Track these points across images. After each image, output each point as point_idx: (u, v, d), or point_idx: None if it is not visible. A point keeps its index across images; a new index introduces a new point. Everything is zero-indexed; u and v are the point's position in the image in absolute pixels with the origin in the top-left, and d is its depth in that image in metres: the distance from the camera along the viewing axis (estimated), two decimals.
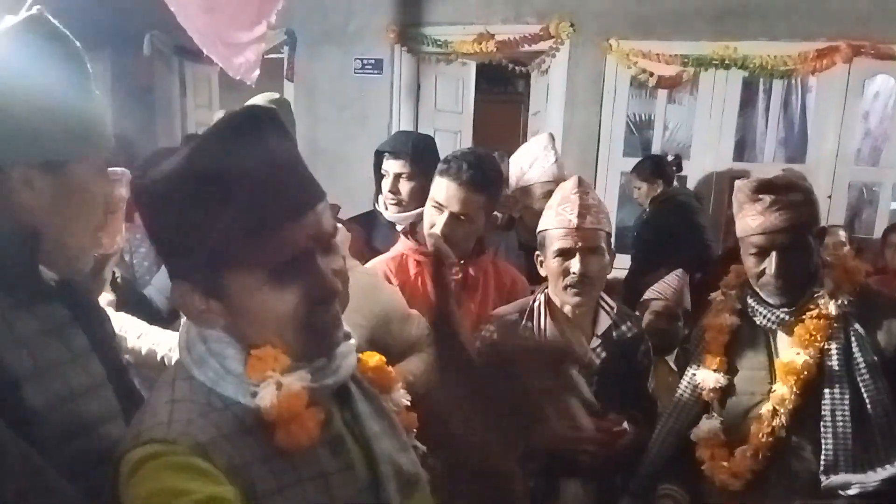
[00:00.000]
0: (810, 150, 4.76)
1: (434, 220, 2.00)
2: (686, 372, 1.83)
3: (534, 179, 2.69)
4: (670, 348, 2.66)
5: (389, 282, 1.95)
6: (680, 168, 4.49)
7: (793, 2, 4.34)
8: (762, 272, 1.66)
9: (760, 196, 1.62)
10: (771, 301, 1.69)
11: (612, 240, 1.96)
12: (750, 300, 1.73)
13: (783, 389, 1.63)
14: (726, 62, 4.44)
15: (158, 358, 1.61)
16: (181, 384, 0.88)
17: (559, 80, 4.79)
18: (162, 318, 1.94)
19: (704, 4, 4.43)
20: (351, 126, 5.09)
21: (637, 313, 2.69)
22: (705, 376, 1.75)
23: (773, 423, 1.63)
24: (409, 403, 1.11)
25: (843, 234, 3.96)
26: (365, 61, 4.98)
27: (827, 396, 1.61)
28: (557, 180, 2.61)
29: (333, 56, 5.02)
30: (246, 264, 0.84)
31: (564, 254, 1.82)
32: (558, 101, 4.83)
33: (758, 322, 1.72)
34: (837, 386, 1.61)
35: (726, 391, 1.74)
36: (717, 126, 4.70)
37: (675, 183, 4.44)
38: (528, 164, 2.73)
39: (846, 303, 1.64)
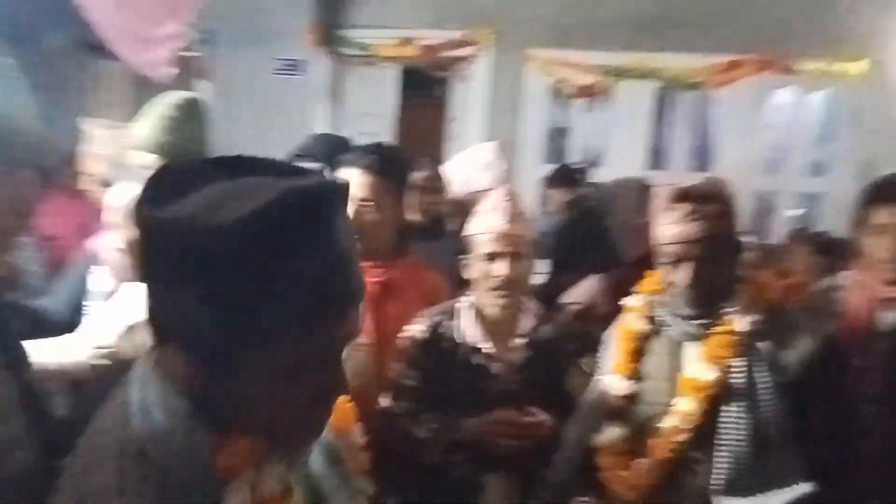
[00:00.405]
0: (718, 160, 4.98)
1: None
2: (595, 377, 1.85)
3: (483, 187, 2.73)
4: (585, 352, 2.74)
5: None
6: (587, 175, 4.59)
7: (704, 17, 4.54)
8: (675, 282, 1.66)
9: (677, 205, 1.63)
10: (682, 312, 1.68)
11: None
12: (661, 309, 1.73)
13: (687, 405, 1.61)
14: (641, 73, 4.60)
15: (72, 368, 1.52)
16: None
17: (480, 87, 4.84)
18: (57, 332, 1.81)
19: (622, 16, 4.58)
20: (270, 128, 4.96)
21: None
22: (612, 382, 1.75)
23: (675, 439, 1.61)
24: (363, 443, 1.06)
25: (753, 242, 4.13)
26: (284, 62, 4.88)
27: (727, 414, 1.58)
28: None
29: (253, 56, 4.90)
30: (278, 347, 0.72)
31: (492, 257, 1.89)
32: (478, 107, 4.88)
33: (668, 332, 1.73)
34: (737, 404, 1.57)
35: (633, 399, 1.73)
36: (632, 135, 4.87)
37: (587, 190, 4.54)
38: (478, 171, 2.77)
39: (757, 320, 1.62)
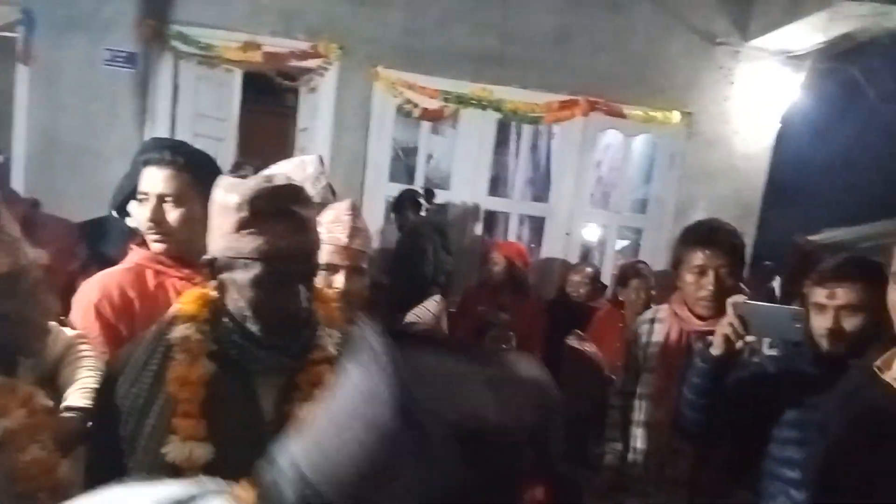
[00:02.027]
0: (552, 192, 5.23)
1: (139, 214, 1.82)
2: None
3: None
4: None
5: (126, 295, 1.74)
6: (431, 199, 4.67)
7: (541, 56, 4.77)
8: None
9: (247, 213, 1.26)
10: (259, 340, 1.29)
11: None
12: (235, 337, 1.29)
13: None
14: (483, 103, 4.74)
15: None
16: None
17: (327, 100, 4.78)
18: None
19: (466, 47, 4.70)
20: (99, 120, 4.63)
21: None
22: (174, 450, 1.20)
23: None
24: None
25: (589, 271, 4.32)
26: (116, 53, 4.55)
27: None
28: (325, 202, 2.65)
29: (81, 44, 4.53)
30: None
31: (330, 269, 1.86)
32: (326, 120, 4.81)
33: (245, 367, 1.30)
34: None
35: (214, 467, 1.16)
36: (475, 161, 5.00)
37: (432, 212, 4.62)
38: (299, 182, 2.70)
39: (338, 341, 1.38)
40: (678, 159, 5.07)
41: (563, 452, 3.17)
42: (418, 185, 5.11)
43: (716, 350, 1.84)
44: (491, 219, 5.83)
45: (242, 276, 1.26)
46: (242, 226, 1.25)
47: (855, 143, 7.35)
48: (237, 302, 1.29)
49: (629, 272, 4.05)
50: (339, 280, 1.86)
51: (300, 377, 1.31)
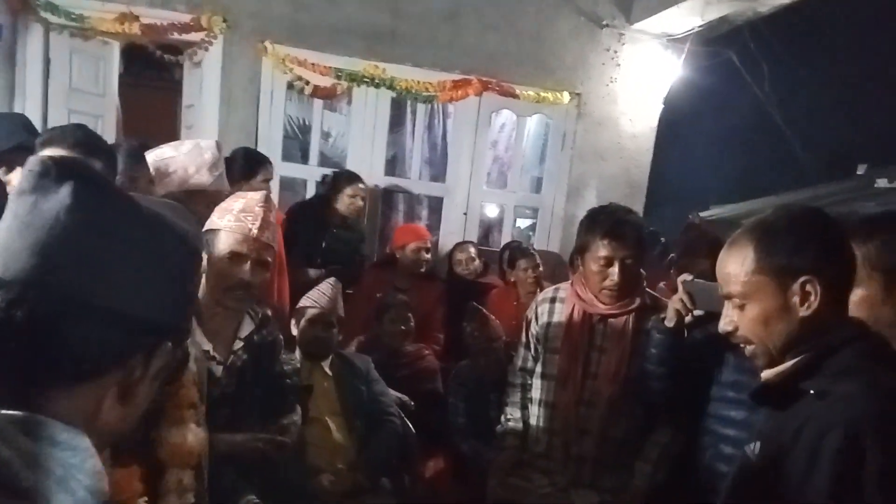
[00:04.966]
0: (449, 171, 5.25)
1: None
2: None
3: (204, 185, 2.61)
4: (325, 354, 2.80)
5: None
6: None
7: (433, 35, 4.75)
8: None
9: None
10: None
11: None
12: None
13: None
14: (376, 81, 4.67)
15: None
16: None
17: (213, 76, 4.58)
18: None
19: (357, 23, 4.61)
20: None
21: (294, 320, 2.84)
22: None
23: None
24: None
25: (472, 250, 4.39)
26: None
27: None
28: (221, 191, 2.57)
29: None
30: None
31: (236, 258, 1.86)
32: (213, 97, 4.61)
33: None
34: None
35: None
36: (371, 141, 4.93)
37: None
38: (194, 167, 2.61)
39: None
40: (569, 139, 5.19)
41: (464, 427, 3.21)
42: (313, 164, 5.01)
43: (669, 322, 2.08)
44: (389, 198, 5.79)
45: None
46: None
47: (733, 122, 7.78)
48: None
49: (516, 253, 4.14)
50: (245, 272, 1.86)
51: None
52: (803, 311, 1.23)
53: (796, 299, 1.23)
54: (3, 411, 0.64)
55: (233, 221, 1.89)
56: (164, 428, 1.33)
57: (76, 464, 0.64)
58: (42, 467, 0.61)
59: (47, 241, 0.67)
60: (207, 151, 2.73)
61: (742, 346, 1.33)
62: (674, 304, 2.07)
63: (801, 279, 1.22)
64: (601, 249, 2.29)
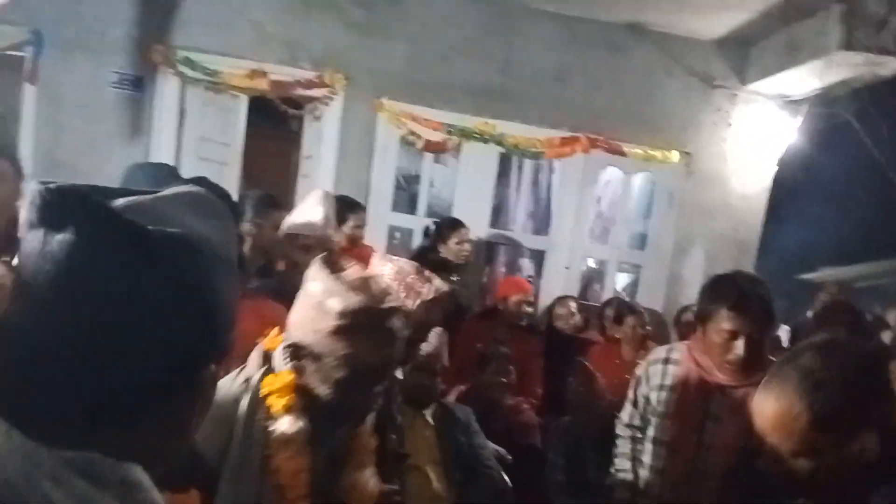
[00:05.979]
0: (553, 225, 5.27)
1: None
2: None
3: (295, 229, 2.73)
4: (428, 402, 2.81)
5: None
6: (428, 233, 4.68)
7: (543, 93, 4.85)
8: None
9: (348, 323, 1.45)
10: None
11: None
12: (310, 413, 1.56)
13: None
14: (486, 137, 4.80)
15: None
16: None
17: (332, 129, 4.83)
18: None
19: (469, 81, 4.78)
20: (101, 142, 4.66)
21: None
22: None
23: None
24: None
25: (573, 305, 4.38)
26: (123, 76, 4.61)
27: None
28: (316, 236, 2.69)
29: (86, 64, 4.59)
30: None
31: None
32: (331, 149, 4.86)
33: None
34: None
35: None
36: (478, 192, 5.03)
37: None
38: (296, 213, 2.78)
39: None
40: (676, 197, 5.11)
41: (562, 484, 3.12)
42: (420, 214, 5.14)
43: None
44: (491, 250, 5.85)
45: (328, 371, 1.35)
46: (340, 332, 1.33)
47: (848, 184, 7.44)
48: (317, 387, 1.37)
49: (623, 309, 4.08)
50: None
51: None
52: None
53: None
54: (57, 451, 0.61)
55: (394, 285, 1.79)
56: (347, 472, 1.37)
57: (139, 500, 0.63)
58: None
59: (56, 278, 0.63)
60: (309, 198, 2.92)
61: None
62: None
63: None
64: (725, 322, 2.14)
